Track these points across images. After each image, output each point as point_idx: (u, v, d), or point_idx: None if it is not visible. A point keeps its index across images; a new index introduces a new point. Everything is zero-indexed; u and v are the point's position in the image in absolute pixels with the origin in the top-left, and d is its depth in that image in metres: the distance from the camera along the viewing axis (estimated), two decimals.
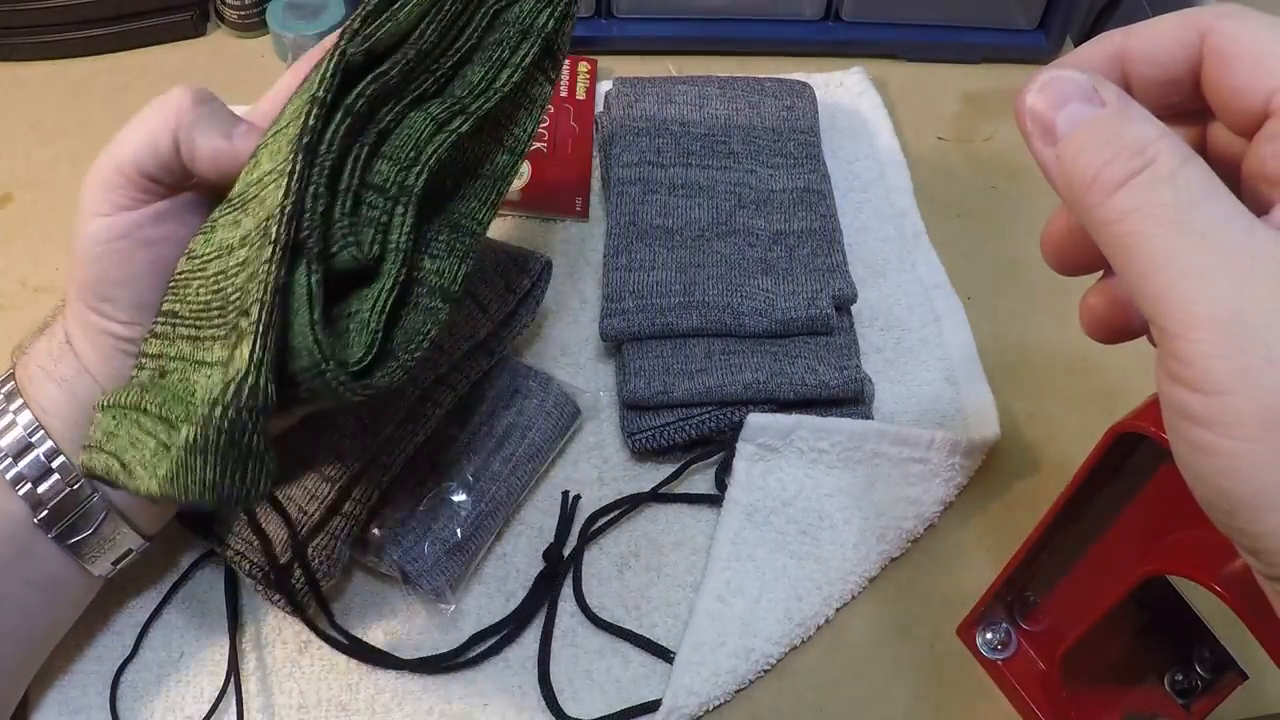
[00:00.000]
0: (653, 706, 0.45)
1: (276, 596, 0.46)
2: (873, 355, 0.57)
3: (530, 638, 0.48)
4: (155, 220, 0.41)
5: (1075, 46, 0.54)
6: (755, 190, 0.60)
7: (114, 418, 0.39)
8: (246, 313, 0.35)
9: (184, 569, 0.49)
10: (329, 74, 0.37)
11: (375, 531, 0.47)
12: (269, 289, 0.35)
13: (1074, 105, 0.26)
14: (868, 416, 0.54)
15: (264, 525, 0.46)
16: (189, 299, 0.40)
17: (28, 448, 0.40)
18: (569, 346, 0.57)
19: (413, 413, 0.48)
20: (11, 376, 0.42)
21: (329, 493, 0.46)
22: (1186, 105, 0.29)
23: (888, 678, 0.47)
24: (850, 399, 0.53)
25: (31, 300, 0.59)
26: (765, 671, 0.47)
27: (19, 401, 0.41)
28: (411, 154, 0.40)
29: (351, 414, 0.47)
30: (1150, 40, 0.29)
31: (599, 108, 0.67)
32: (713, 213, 0.59)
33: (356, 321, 0.38)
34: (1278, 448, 0.23)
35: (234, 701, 0.45)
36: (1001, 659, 0.47)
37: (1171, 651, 0.42)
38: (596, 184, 0.65)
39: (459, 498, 0.48)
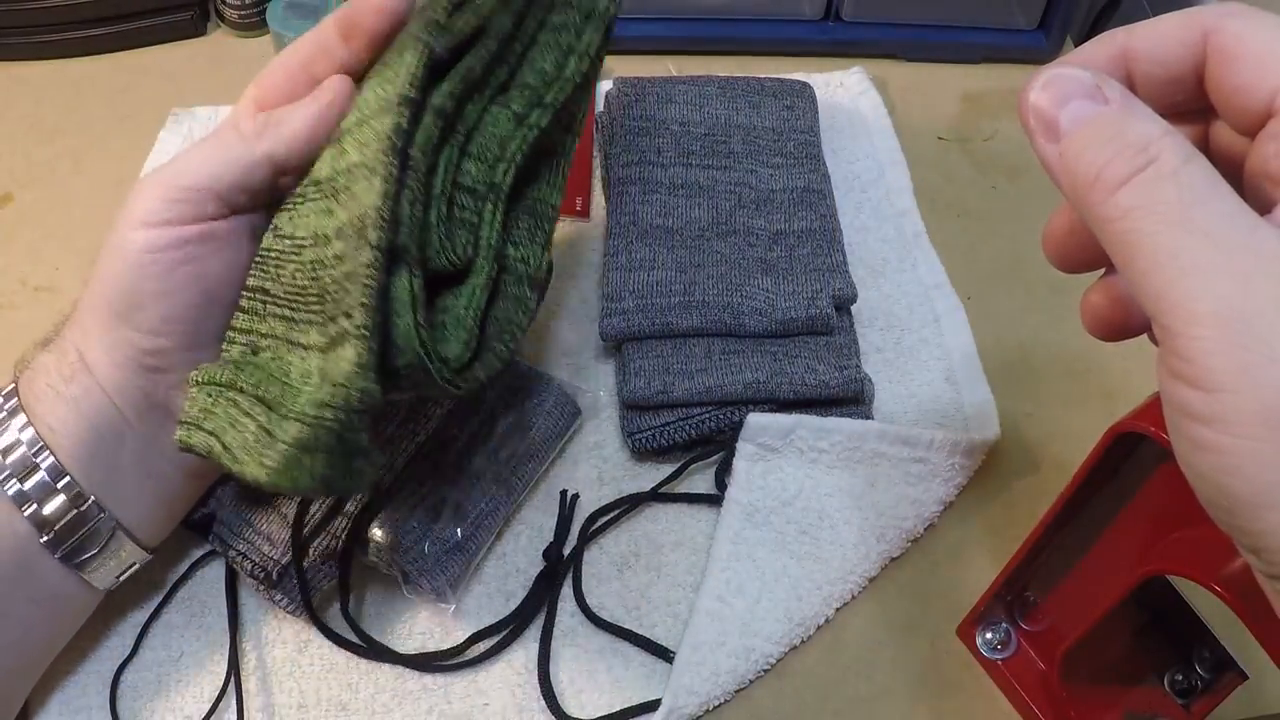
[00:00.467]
0: (653, 706, 0.45)
1: (278, 596, 0.46)
2: (873, 355, 0.57)
3: (530, 638, 0.48)
4: (205, 239, 0.40)
5: (1075, 46, 0.54)
6: (755, 190, 0.60)
7: (209, 395, 0.39)
8: (350, 314, 0.36)
9: (184, 569, 0.49)
10: (417, 72, 0.37)
11: (375, 531, 0.47)
12: (371, 294, 0.35)
13: (1077, 103, 0.26)
14: (868, 416, 0.54)
15: (265, 525, 0.46)
16: (284, 280, 0.39)
17: (33, 468, 0.40)
18: (569, 346, 0.57)
19: (414, 413, 0.48)
20: (15, 393, 0.41)
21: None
22: (1189, 104, 0.29)
23: (888, 678, 0.47)
24: (850, 399, 0.53)
25: (31, 299, 0.59)
26: (765, 671, 0.47)
27: (23, 419, 0.40)
28: (496, 151, 0.40)
29: None
30: (1153, 39, 0.29)
31: (599, 108, 0.67)
32: (713, 212, 0.59)
33: (452, 317, 0.39)
34: (1277, 445, 0.23)
35: (234, 701, 0.45)
36: (1001, 659, 0.47)
37: (1171, 651, 0.42)
38: (596, 184, 0.65)
39: (459, 498, 0.48)
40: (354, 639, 0.47)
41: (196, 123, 0.67)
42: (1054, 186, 0.27)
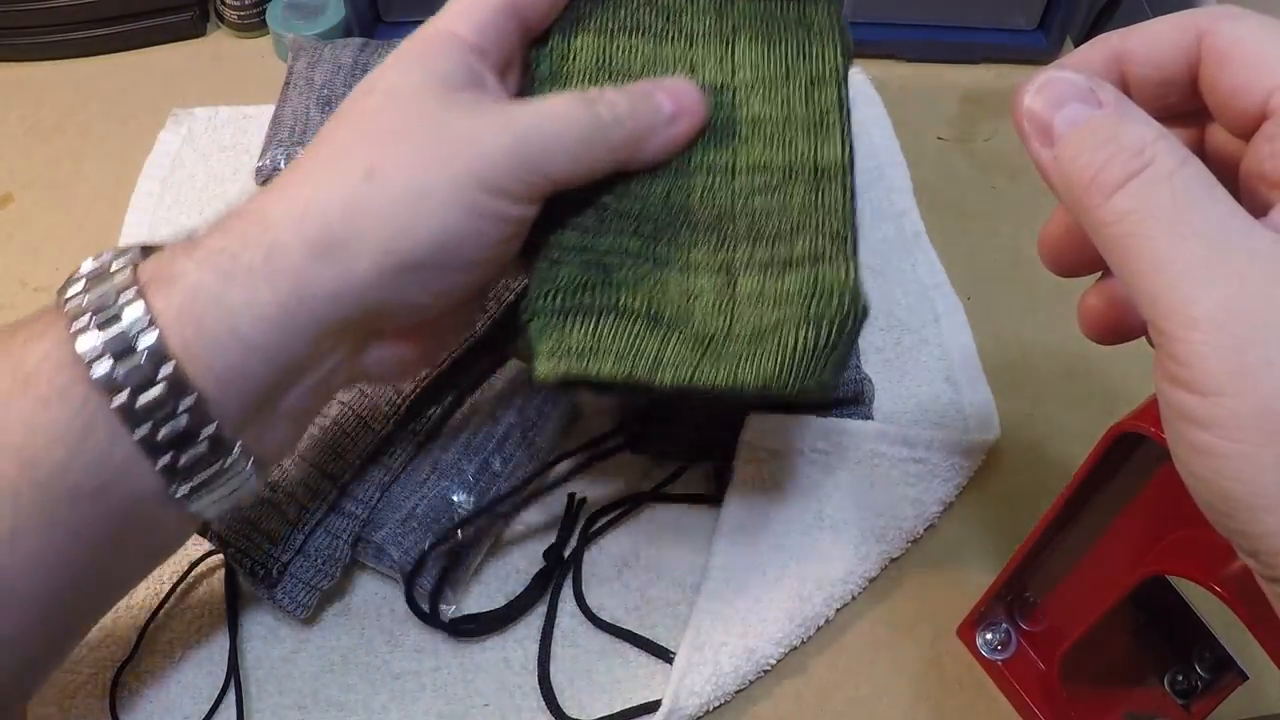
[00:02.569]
0: (653, 707, 0.45)
1: (279, 595, 0.46)
2: (873, 355, 0.57)
3: (530, 638, 0.48)
4: (528, 224, 0.37)
5: (1075, 47, 0.54)
6: None
7: (583, 319, 0.39)
8: (836, 236, 0.41)
9: (183, 569, 0.48)
10: (842, 60, 0.44)
11: (375, 532, 0.47)
12: (846, 230, 0.42)
13: (1071, 106, 0.26)
14: (868, 416, 0.54)
15: (266, 523, 0.46)
16: (644, 196, 0.41)
17: (170, 412, 0.31)
18: None
19: (413, 411, 0.48)
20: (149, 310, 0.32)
21: (331, 490, 0.46)
22: (1184, 106, 0.29)
23: (888, 678, 0.47)
24: (850, 399, 0.53)
25: (31, 299, 0.59)
26: (765, 672, 0.47)
27: (171, 365, 0.31)
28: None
29: (350, 410, 0.47)
30: (1148, 42, 0.29)
31: None
32: None
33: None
34: (1274, 448, 0.23)
35: (234, 701, 0.45)
36: (1001, 659, 0.47)
37: (1171, 651, 0.42)
38: None
39: (459, 498, 0.48)
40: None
41: (196, 123, 0.67)
42: None
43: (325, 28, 0.69)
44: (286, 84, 0.65)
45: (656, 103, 0.39)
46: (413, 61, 0.37)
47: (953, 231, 0.64)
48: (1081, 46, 0.30)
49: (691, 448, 0.52)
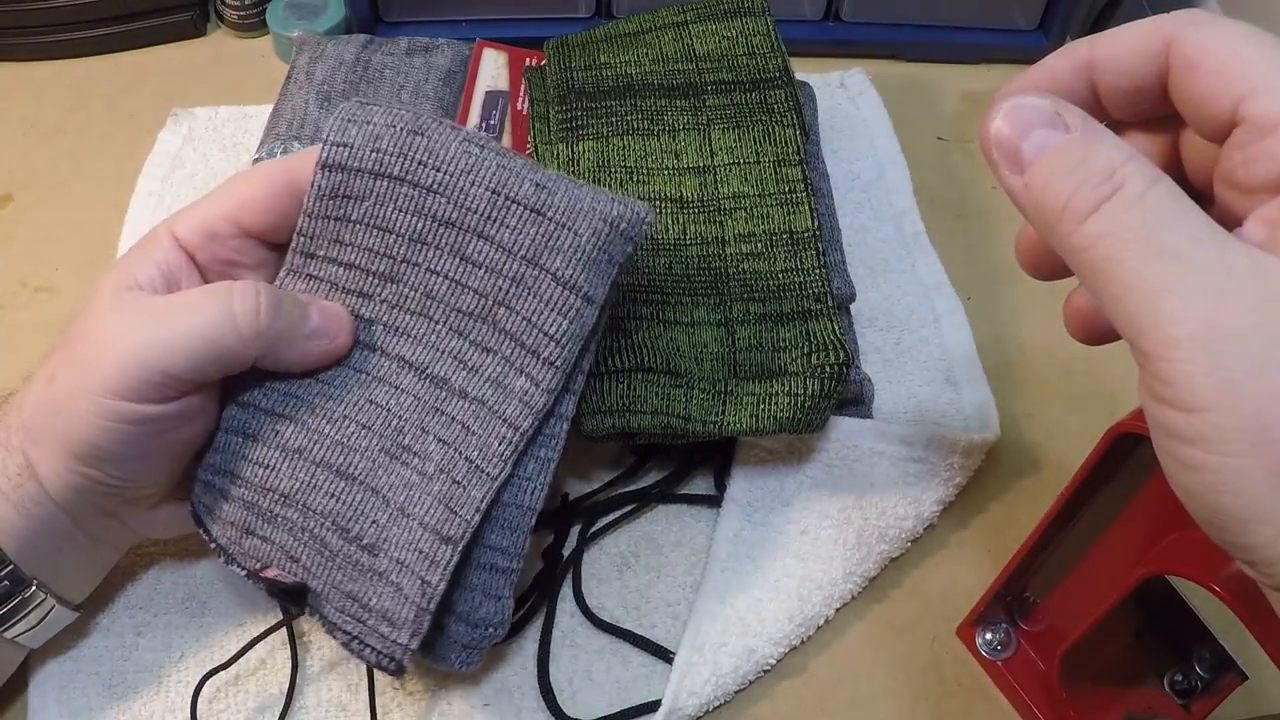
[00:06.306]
0: (653, 707, 0.45)
1: (450, 661, 0.42)
2: (872, 355, 0.57)
3: (530, 638, 0.48)
4: (177, 416, 0.39)
5: None
6: None
7: (617, 382, 0.46)
8: (819, 298, 0.50)
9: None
10: (802, 144, 0.54)
11: None
12: (826, 288, 0.50)
13: (1039, 132, 0.26)
14: (867, 416, 0.54)
15: (376, 600, 0.40)
16: (650, 270, 0.50)
17: None
18: None
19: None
20: None
21: (450, 555, 0.40)
22: (1157, 113, 0.29)
23: (888, 678, 0.47)
24: (850, 399, 0.53)
25: (31, 300, 0.59)
26: (765, 672, 0.47)
27: None
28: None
29: (459, 454, 0.42)
30: (1116, 50, 0.28)
31: None
32: None
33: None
34: (1263, 461, 0.23)
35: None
36: (1001, 659, 0.47)
37: (1171, 651, 0.42)
38: None
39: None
40: None
41: (196, 122, 0.67)
42: None
43: (325, 28, 0.69)
44: (288, 79, 0.65)
45: (305, 314, 0.40)
46: (126, 260, 0.40)
47: (953, 231, 0.64)
48: (1050, 55, 0.30)
49: (691, 448, 0.52)
